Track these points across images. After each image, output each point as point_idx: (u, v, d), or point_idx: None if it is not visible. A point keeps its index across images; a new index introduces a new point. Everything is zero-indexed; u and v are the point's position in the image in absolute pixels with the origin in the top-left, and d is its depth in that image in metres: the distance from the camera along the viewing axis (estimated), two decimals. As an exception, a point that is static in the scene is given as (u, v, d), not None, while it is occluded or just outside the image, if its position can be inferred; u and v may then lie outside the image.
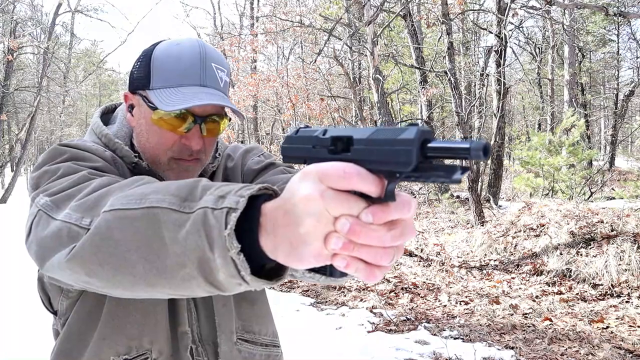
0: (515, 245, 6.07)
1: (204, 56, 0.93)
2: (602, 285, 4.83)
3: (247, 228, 0.56)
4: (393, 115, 13.53)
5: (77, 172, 0.81)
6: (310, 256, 0.51)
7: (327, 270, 0.63)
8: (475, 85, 15.94)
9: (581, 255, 5.29)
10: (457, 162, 0.52)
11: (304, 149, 0.60)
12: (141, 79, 0.95)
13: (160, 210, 0.61)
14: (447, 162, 0.51)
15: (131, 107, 0.99)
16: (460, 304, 4.74)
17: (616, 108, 20.40)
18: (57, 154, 0.88)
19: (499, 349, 3.65)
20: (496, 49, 9.40)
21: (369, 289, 5.22)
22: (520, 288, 5.10)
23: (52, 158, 0.87)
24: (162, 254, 0.59)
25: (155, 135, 0.95)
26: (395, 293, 5.13)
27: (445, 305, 4.74)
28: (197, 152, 0.96)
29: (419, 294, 5.06)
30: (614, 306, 4.43)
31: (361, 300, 4.93)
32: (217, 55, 0.97)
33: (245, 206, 0.56)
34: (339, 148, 0.55)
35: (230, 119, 1.03)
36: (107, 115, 1.10)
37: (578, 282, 5.00)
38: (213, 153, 1.09)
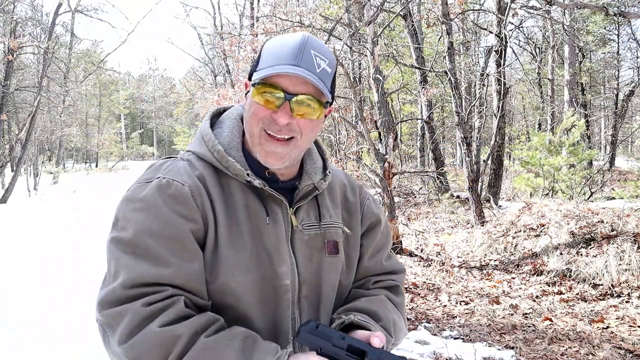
0: (516, 245, 6.07)
1: (304, 43, 0.97)
2: (602, 285, 4.83)
3: None
4: (393, 115, 13.53)
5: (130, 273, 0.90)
6: None
7: None
8: (475, 85, 15.93)
9: (581, 255, 5.29)
10: None
11: (322, 342, 0.81)
12: (253, 66, 1.02)
13: None
14: None
15: (247, 93, 1.04)
16: (461, 304, 4.74)
17: (616, 108, 20.40)
18: (128, 216, 0.96)
19: (499, 349, 3.66)
20: (496, 49, 9.40)
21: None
22: (520, 288, 5.10)
23: (122, 222, 0.96)
24: None
25: (252, 109, 0.99)
26: (395, 293, 5.13)
27: (445, 305, 4.74)
28: (287, 129, 0.97)
29: (419, 294, 5.06)
30: (614, 306, 4.43)
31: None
32: (320, 46, 1.00)
33: None
34: (354, 353, 0.79)
35: (328, 107, 1.04)
36: (214, 119, 1.14)
37: (578, 282, 5.01)
38: (322, 169, 1.15)
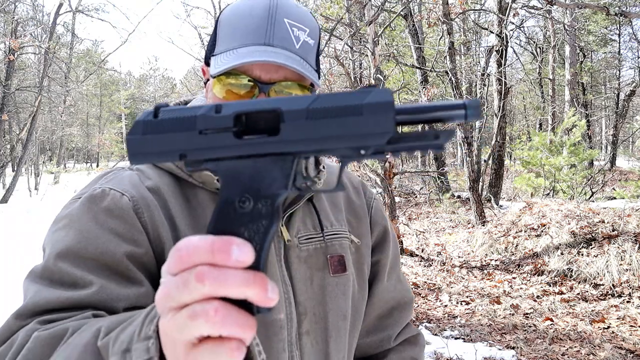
0: (516, 245, 6.07)
1: (273, 10, 0.74)
2: (603, 285, 4.82)
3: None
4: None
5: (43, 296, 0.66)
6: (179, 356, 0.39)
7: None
8: (476, 85, 15.93)
9: (582, 255, 5.28)
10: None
11: (179, 137, 0.40)
12: (209, 46, 0.81)
13: None
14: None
15: (206, 81, 0.83)
16: (461, 304, 4.73)
17: (617, 108, 20.39)
18: (48, 240, 0.74)
19: (500, 349, 3.65)
20: (497, 49, 9.39)
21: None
22: (521, 288, 5.10)
23: (60, 229, 0.74)
24: None
25: None
26: (396, 293, 5.13)
27: (446, 305, 4.73)
28: None
29: (419, 294, 5.05)
30: (615, 306, 4.43)
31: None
32: (295, 11, 0.77)
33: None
34: (254, 128, 0.38)
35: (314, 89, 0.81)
36: None
37: (579, 282, 5.00)
38: (314, 164, 0.89)
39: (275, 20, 0.74)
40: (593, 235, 5.49)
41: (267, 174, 0.39)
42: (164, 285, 0.38)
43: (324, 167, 0.90)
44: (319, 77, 0.82)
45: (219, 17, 0.80)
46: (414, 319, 4.33)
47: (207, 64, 0.81)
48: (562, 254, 5.43)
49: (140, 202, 0.75)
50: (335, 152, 0.38)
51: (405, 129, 0.39)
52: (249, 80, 0.74)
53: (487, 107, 12.50)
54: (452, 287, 5.26)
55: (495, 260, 6.02)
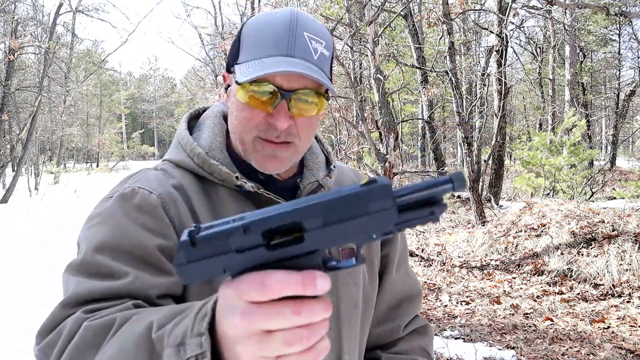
0: (516, 245, 6.07)
1: (294, 24, 0.81)
2: (603, 285, 4.83)
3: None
4: (394, 115, 13.54)
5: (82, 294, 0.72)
6: None
7: None
8: (476, 85, 15.94)
9: (582, 255, 5.28)
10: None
11: (220, 260, 0.45)
12: (233, 55, 0.86)
13: None
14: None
15: (227, 87, 0.89)
16: (461, 304, 4.73)
17: (617, 108, 20.39)
18: (83, 236, 0.80)
19: (500, 349, 3.65)
20: (497, 49, 9.39)
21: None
22: (521, 288, 5.10)
23: (80, 246, 0.80)
24: None
25: (241, 113, 0.83)
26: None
27: (446, 305, 4.73)
28: (286, 134, 0.82)
29: (419, 294, 5.05)
30: (615, 306, 4.43)
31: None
32: (313, 25, 0.83)
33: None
34: (282, 239, 0.44)
35: (328, 100, 0.87)
36: (192, 122, 0.99)
37: (579, 282, 5.00)
38: (326, 164, 0.98)
39: (295, 33, 0.80)
40: (593, 235, 5.49)
41: (298, 267, 0.45)
42: (245, 313, 0.43)
43: (334, 167, 0.98)
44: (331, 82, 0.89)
45: (241, 28, 0.86)
46: (414, 319, 4.34)
47: (229, 71, 0.87)
48: (562, 254, 5.43)
49: (167, 199, 0.82)
50: (352, 241, 0.45)
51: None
52: (271, 88, 0.79)
53: (487, 107, 12.50)
54: (452, 287, 5.26)
55: (495, 260, 6.02)
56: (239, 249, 0.44)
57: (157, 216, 0.80)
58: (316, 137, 1.04)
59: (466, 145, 8.25)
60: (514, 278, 5.38)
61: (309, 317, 0.44)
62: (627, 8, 16.38)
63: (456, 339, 3.91)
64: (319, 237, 0.44)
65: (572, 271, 5.15)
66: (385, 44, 13.49)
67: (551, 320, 4.17)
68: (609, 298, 4.63)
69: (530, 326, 4.07)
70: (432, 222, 0.43)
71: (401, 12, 8.99)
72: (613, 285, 4.76)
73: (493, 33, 9.93)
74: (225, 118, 0.96)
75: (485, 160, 10.42)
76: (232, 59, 0.86)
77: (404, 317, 1.06)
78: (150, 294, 0.73)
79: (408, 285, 1.08)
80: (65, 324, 0.68)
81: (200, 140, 0.91)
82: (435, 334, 3.98)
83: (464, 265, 6.07)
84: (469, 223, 8.45)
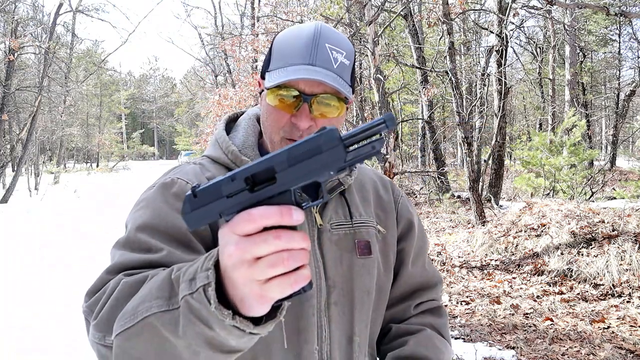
0: (516, 245, 6.07)
1: (317, 36, 0.91)
2: (603, 285, 4.82)
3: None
4: (394, 115, 13.54)
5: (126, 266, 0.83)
6: (252, 300, 0.56)
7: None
8: (476, 85, 15.94)
9: (582, 255, 5.28)
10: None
11: (216, 206, 0.57)
12: (265, 64, 0.97)
13: (153, 317, 0.65)
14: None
15: (261, 92, 1.00)
16: (461, 304, 4.73)
17: (617, 108, 20.39)
18: (129, 218, 0.92)
19: (500, 349, 3.65)
20: (497, 49, 9.39)
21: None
22: (521, 288, 5.10)
23: (140, 209, 0.92)
24: (176, 352, 0.64)
25: (270, 115, 0.94)
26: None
27: (446, 305, 4.74)
28: (308, 134, 0.91)
29: (419, 294, 5.06)
30: (615, 306, 4.43)
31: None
32: (335, 37, 0.94)
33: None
34: (259, 183, 0.55)
35: (347, 105, 0.98)
36: (231, 124, 1.11)
37: (579, 282, 5.00)
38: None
39: (318, 44, 0.91)
40: (593, 235, 5.49)
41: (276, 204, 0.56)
42: (238, 243, 0.53)
43: (355, 167, 1.05)
44: (354, 91, 0.99)
45: (274, 39, 0.97)
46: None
47: (263, 77, 0.98)
48: (562, 254, 5.43)
49: None
50: (314, 178, 0.54)
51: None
52: (295, 93, 0.90)
53: (487, 107, 12.50)
54: (452, 287, 5.26)
55: (495, 260, 6.02)
56: (229, 194, 0.56)
57: None
58: None
59: (466, 145, 8.25)
60: (514, 278, 5.38)
61: (288, 242, 0.52)
62: (627, 8, 16.38)
63: (456, 339, 3.91)
64: (287, 176, 0.54)
65: (572, 271, 5.15)
66: (385, 44, 13.49)
67: (551, 320, 4.17)
68: (609, 298, 4.63)
69: (530, 326, 4.07)
70: (376, 157, 0.53)
71: (401, 12, 8.99)
72: (613, 285, 4.76)
73: (493, 33, 9.93)
74: (259, 120, 1.07)
75: (485, 160, 10.43)
76: (264, 68, 0.97)
77: (416, 299, 1.14)
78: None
79: (424, 277, 1.16)
80: (108, 285, 0.79)
81: (235, 140, 1.03)
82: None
83: (464, 265, 6.07)
84: (469, 223, 8.45)
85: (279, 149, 0.55)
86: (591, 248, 5.32)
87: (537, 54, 19.28)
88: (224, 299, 0.59)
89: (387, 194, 1.15)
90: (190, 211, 0.58)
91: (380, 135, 0.53)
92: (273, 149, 0.96)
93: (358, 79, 13.19)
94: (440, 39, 10.07)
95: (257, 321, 0.60)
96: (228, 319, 0.57)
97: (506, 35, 9.25)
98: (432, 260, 6.32)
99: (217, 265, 0.59)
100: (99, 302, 0.76)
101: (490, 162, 10.05)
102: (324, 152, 0.52)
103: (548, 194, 8.92)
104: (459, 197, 11.73)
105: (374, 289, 1.03)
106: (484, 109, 12.44)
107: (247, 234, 0.53)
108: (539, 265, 5.44)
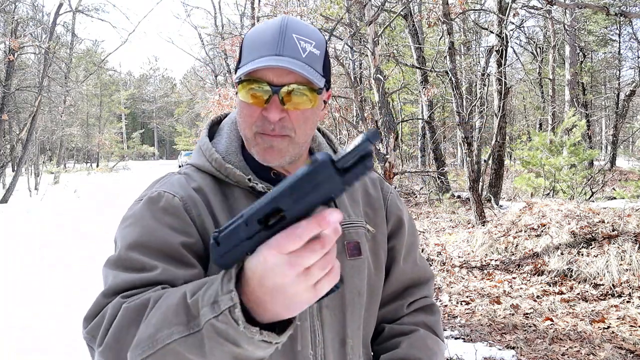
0: (516, 245, 6.07)
1: (284, 28, 0.89)
2: (603, 285, 4.82)
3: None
4: (394, 115, 13.54)
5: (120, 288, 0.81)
6: (304, 305, 0.60)
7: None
8: (476, 85, 15.93)
9: (582, 255, 5.28)
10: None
11: (239, 247, 0.62)
12: (237, 62, 0.96)
13: (175, 344, 0.65)
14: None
15: (237, 93, 0.96)
16: (461, 304, 4.73)
17: (617, 108, 20.40)
18: (118, 235, 0.91)
19: (500, 349, 3.65)
20: (497, 49, 9.39)
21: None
22: (521, 288, 5.10)
23: (116, 244, 0.91)
24: None
25: (242, 111, 0.92)
26: (396, 293, 5.13)
27: (446, 305, 4.74)
28: (280, 127, 0.90)
29: (419, 294, 5.05)
30: (615, 306, 4.43)
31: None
32: (302, 28, 0.92)
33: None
34: (274, 222, 0.59)
35: (324, 92, 0.95)
36: (215, 127, 1.08)
37: (579, 282, 5.00)
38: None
39: (285, 35, 0.89)
40: (593, 235, 5.49)
41: None
42: (289, 262, 0.56)
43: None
44: (329, 82, 0.96)
45: (243, 38, 0.95)
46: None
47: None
48: (562, 254, 5.43)
49: (189, 201, 0.93)
50: (317, 208, 0.57)
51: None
52: (266, 86, 0.88)
53: (487, 107, 12.50)
54: (452, 287, 5.26)
55: (495, 260, 6.02)
56: (248, 237, 0.61)
57: (180, 217, 0.90)
58: (326, 136, 1.13)
59: (466, 145, 8.25)
60: (514, 278, 5.38)
61: (329, 245, 0.57)
62: (627, 8, 16.38)
63: (456, 339, 3.91)
64: (295, 210, 0.57)
65: (572, 271, 5.15)
66: (385, 44, 13.49)
67: (551, 320, 4.17)
68: (609, 298, 4.63)
69: (530, 326, 4.07)
70: (376, 157, 0.57)
71: (401, 12, 8.98)
72: (613, 285, 4.76)
73: (493, 33, 9.93)
74: None
75: (485, 160, 10.43)
76: (237, 65, 0.95)
77: (408, 297, 1.13)
78: (176, 283, 0.82)
79: (416, 273, 1.15)
80: (106, 309, 0.78)
81: (218, 146, 1.01)
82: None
83: (464, 265, 6.07)
84: (469, 223, 8.45)
85: (279, 186, 0.57)
86: (591, 248, 5.32)
87: (537, 54, 19.28)
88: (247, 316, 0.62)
89: (375, 191, 1.13)
90: (219, 257, 0.65)
91: (370, 152, 0.55)
92: (249, 147, 0.95)
93: (358, 79, 13.19)
94: (440, 39, 10.07)
95: (272, 329, 0.63)
96: (257, 335, 0.60)
97: (506, 35, 9.25)
98: (432, 260, 6.32)
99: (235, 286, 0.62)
100: (100, 327, 0.76)
101: (490, 162, 10.05)
102: (322, 183, 0.55)
103: (548, 194, 8.92)
104: (459, 197, 11.73)
105: (365, 290, 1.02)
106: (484, 109, 12.43)
107: (294, 251, 0.56)
108: (539, 265, 5.44)
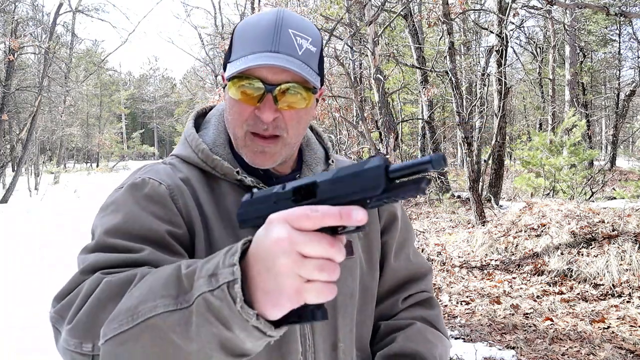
0: (516, 245, 6.07)
1: (279, 22, 0.84)
2: (603, 285, 4.82)
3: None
4: (394, 115, 13.54)
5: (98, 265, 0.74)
6: (284, 298, 0.52)
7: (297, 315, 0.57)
8: (476, 85, 15.93)
9: (582, 255, 5.28)
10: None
11: (264, 208, 0.62)
12: (226, 54, 0.90)
13: (158, 318, 0.58)
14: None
15: (224, 87, 0.91)
16: (461, 304, 4.73)
17: (617, 108, 20.40)
18: (97, 223, 0.84)
19: (500, 349, 3.65)
20: (497, 49, 9.39)
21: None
22: (521, 288, 5.09)
23: (108, 213, 0.83)
24: (180, 358, 0.58)
25: (232, 108, 0.87)
26: (396, 293, 5.13)
27: (446, 305, 4.74)
28: (273, 127, 0.85)
29: (419, 294, 5.05)
30: (615, 306, 4.43)
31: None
32: (299, 22, 0.86)
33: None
34: (303, 196, 0.58)
35: (318, 91, 0.90)
36: (200, 119, 1.03)
37: (579, 282, 5.00)
38: (325, 159, 1.02)
39: (280, 30, 0.83)
40: (593, 235, 5.49)
41: None
42: (291, 233, 0.51)
43: (332, 162, 1.02)
44: (323, 80, 0.91)
45: (234, 29, 0.90)
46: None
47: (224, 69, 0.91)
48: (562, 254, 5.43)
49: (175, 190, 0.87)
50: (350, 203, 0.54)
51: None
52: (259, 84, 0.83)
53: (487, 107, 12.49)
54: (452, 287, 5.26)
55: (495, 260, 6.02)
56: (276, 200, 0.61)
57: (166, 205, 0.84)
58: (316, 132, 1.08)
59: (466, 145, 8.25)
60: (514, 278, 5.38)
61: (336, 253, 0.52)
62: (627, 8, 16.37)
63: (456, 339, 3.91)
64: (326, 192, 0.56)
65: (572, 271, 5.15)
66: (385, 44, 13.49)
67: (551, 320, 4.17)
68: (609, 298, 4.63)
69: (530, 326, 4.07)
70: (419, 193, 0.51)
71: (401, 12, 8.99)
72: (613, 285, 4.76)
73: (493, 33, 9.93)
74: None
75: (485, 160, 10.42)
76: (226, 60, 0.90)
77: (404, 292, 1.08)
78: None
79: (411, 269, 1.10)
80: (83, 284, 0.70)
81: (205, 137, 0.96)
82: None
83: (464, 265, 6.07)
84: (469, 223, 8.45)
85: (326, 172, 0.57)
86: (591, 248, 5.32)
87: (537, 54, 19.28)
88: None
89: None
90: (245, 209, 0.65)
91: (426, 177, 0.52)
92: (238, 147, 0.90)
93: (358, 79, 13.19)
94: (440, 39, 10.07)
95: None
96: (253, 319, 0.53)
97: (506, 35, 9.25)
98: (432, 260, 6.32)
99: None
100: (73, 305, 0.68)
101: (490, 162, 10.05)
102: (366, 181, 0.53)
103: (548, 194, 8.92)
104: (459, 197, 11.73)
105: (357, 291, 0.98)
106: (484, 109, 12.43)
107: (303, 229, 0.52)
108: (539, 265, 5.44)
